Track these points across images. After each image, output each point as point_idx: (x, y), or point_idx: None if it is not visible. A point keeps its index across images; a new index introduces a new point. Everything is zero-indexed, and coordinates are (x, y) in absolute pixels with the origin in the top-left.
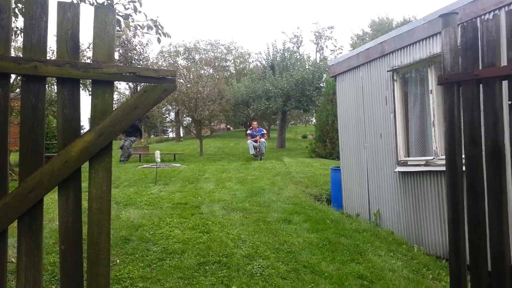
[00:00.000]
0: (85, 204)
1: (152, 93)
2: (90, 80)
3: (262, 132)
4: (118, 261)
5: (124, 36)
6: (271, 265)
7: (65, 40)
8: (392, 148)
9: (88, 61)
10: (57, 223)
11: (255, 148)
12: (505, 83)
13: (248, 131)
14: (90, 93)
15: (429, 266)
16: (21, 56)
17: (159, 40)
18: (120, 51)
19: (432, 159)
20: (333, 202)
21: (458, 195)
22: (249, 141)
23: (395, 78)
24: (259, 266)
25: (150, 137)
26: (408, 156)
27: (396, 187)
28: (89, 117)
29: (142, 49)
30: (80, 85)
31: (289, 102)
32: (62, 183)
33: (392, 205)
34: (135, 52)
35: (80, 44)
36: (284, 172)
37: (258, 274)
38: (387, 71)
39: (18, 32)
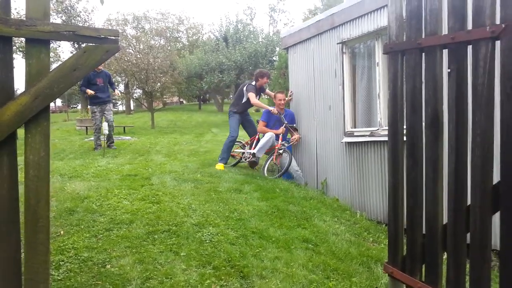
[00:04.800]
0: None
1: (93, 54)
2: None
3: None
4: (62, 232)
5: (67, 1)
6: (220, 232)
7: None
8: (340, 120)
9: None
10: None
11: (272, 148)
12: (445, 52)
13: (262, 124)
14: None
15: (370, 230)
16: None
17: (102, 1)
18: (63, 18)
19: (376, 130)
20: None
21: (399, 160)
22: (269, 133)
23: (344, 50)
24: (209, 234)
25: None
26: (355, 127)
27: (342, 157)
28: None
29: (87, 16)
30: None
31: (242, 75)
32: None
33: (338, 174)
34: (79, 19)
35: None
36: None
37: (207, 241)
38: (337, 44)
39: None
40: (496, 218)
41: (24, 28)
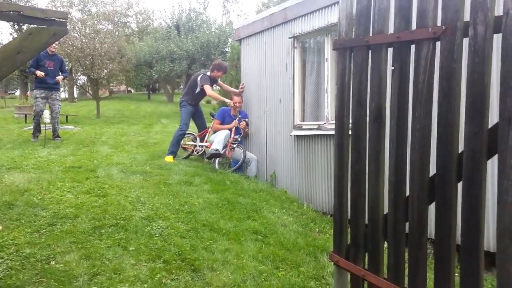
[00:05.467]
0: None
1: (38, 36)
2: None
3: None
4: (1, 227)
5: None
6: (170, 225)
7: None
8: (289, 113)
9: None
10: None
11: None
12: (390, 50)
13: (216, 123)
14: None
15: (316, 221)
16: None
17: None
18: None
19: (323, 124)
20: (234, 165)
21: (344, 153)
22: (225, 130)
23: (295, 45)
24: (159, 227)
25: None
26: (304, 121)
27: (291, 150)
28: None
29: None
30: None
31: (194, 65)
32: None
33: (287, 167)
34: None
35: None
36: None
37: (157, 235)
38: (289, 38)
39: None
40: (431, 210)
41: None
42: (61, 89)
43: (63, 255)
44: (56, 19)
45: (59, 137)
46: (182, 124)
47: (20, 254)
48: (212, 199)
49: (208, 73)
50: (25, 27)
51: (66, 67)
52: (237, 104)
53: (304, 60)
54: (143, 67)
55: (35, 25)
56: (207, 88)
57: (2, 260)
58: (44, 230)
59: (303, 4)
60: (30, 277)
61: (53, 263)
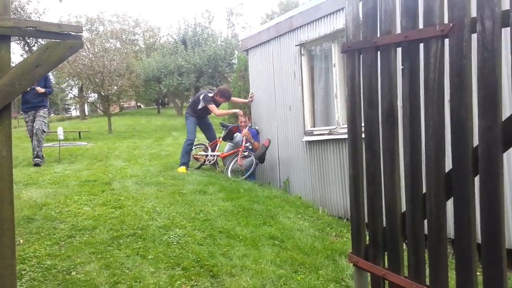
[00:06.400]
0: None
1: (55, 50)
2: None
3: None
4: (21, 240)
5: (16, 2)
6: (187, 233)
7: None
8: (300, 120)
9: None
10: None
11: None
12: (399, 50)
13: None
14: None
15: (332, 225)
16: None
17: None
18: None
19: (334, 128)
20: (246, 173)
21: (358, 153)
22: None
23: (302, 52)
24: (176, 235)
25: (49, 115)
26: (314, 127)
27: (303, 155)
28: None
29: (38, 17)
30: None
31: (202, 78)
32: None
33: (300, 173)
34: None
35: None
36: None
37: (174, 243)
38: (295, 46)
39: None
40: (451, 210)
41: None
42: (72, 107)
43: (84, 265)
44: (72, 33)
45: (41, 159)
46: (189, 134)
47: (42, 265)
48: (227, 206)
49: (211, 94)
50: (34, 48)
51: (52, 83)
52: (242, 124)
53: (312, 67)
54: (151, 82)
55: (52, 40)
56: (213, 108)
57: (25, 272)
58: (63, 242)
59: (308, 12)
60: None
61: (74, 273)
